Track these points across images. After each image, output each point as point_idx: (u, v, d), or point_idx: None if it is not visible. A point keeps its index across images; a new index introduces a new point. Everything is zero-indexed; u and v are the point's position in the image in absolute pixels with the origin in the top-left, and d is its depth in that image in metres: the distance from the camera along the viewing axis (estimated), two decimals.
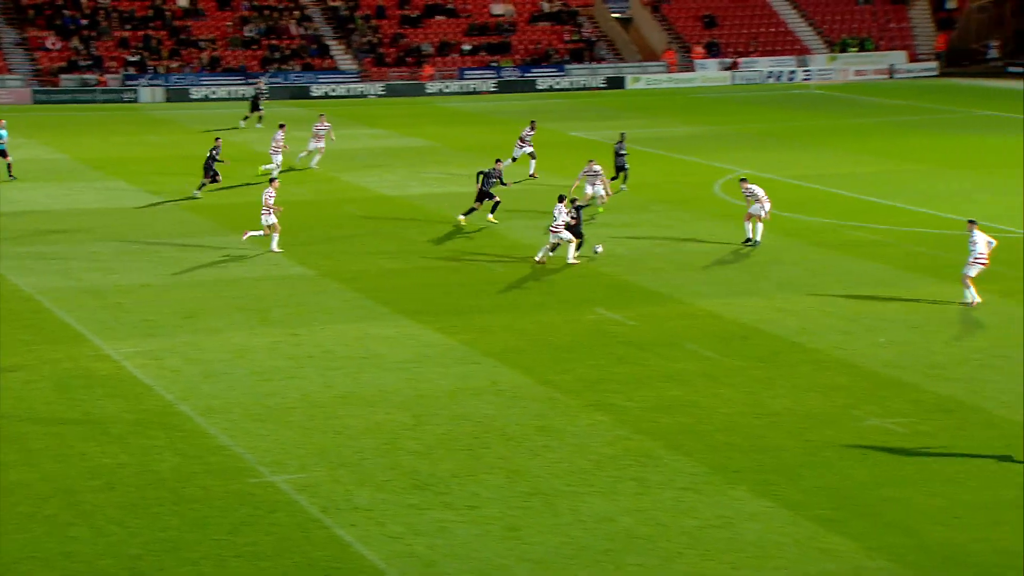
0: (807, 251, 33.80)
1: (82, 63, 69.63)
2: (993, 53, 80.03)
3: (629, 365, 24.76)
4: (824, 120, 60.29)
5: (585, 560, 17.04)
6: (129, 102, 67.51)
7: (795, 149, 50.81)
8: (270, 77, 69.67)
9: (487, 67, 74.00)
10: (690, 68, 76.31)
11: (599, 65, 75.46)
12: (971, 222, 28.91)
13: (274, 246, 33.49)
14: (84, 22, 71.87)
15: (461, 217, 36.47)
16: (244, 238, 33.64)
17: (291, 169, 44.90)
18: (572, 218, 32.11)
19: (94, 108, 65.65)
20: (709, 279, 31.12)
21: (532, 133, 44.87)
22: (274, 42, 73.24)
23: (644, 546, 17.36)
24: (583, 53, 76.24)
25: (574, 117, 61.77)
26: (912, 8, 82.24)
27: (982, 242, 28.32)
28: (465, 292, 30.04)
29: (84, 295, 29.66)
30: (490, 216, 36.73)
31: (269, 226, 33.42)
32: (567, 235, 31.89)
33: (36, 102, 66.58)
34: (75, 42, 70.73)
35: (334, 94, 69.91)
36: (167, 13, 73.38)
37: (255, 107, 56.39)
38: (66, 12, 71.87)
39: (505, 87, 72.61)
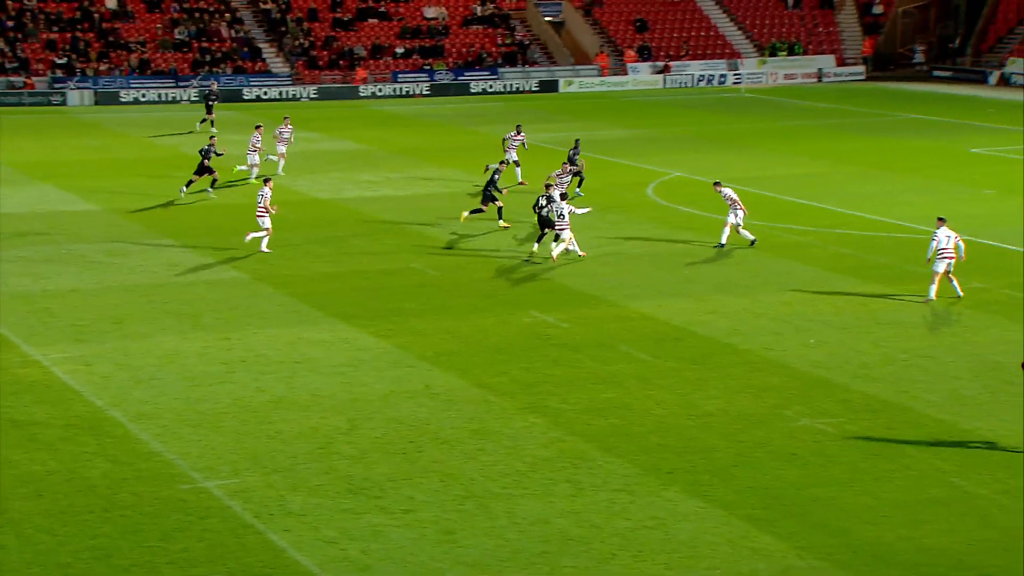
0: (738, 253, 34.13)
1: (8, 65, 68.64)
2: (919, 57, 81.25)
3: (563, 367, 24.87)
4: (754, 123, 60.90)
5: (520, 562, 17.11)
6: (57, 105, 66.64)
7: (726, 152, 51.28)
8: (201, 80, 69.14)
9: (420, 70, 73.94)
10: (622, 72, 76.73)
11: (532, 68, 75.68)
12: (940, 219, 29.49)
13: (263, 247, 33.73)
14: (10, 24, 70.85)
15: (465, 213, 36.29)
16: (247, 239, 33.70)
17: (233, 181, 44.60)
18: (541, 208, 32.81)
19: (21, 111, 64.72)
20: (642, 281, 31.33)
21: (519, 137, 44.26)
22: (205, 45, 72.67)
23: (578, 548, 17.46)
24: (516, 56, 76.41)
25: (508, 120, 61.82)
26: (840, 13, 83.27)
27: (944, 238, 28.90)
28: (399, 295, 30.01)
29: (12, 300, 29.27)
30: (501, 222, 36.42)
31: (266, 228, 33.76)
32: (567, 234, 32.33)
33: None
34: (1, 44, 69.72)
35: (266, 97, 69.48)
36: (95, 15, 72.54)
37: (209, 110, 56.14)
38: None
39: (438, 90, 72.58)
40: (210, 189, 41.19)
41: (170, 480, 19.48)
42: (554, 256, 32.29)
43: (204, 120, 55.79)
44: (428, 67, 74.21)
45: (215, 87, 59.07)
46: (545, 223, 32.83)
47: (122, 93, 68.26)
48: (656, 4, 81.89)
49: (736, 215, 34.06)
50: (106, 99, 67.69)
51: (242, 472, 19.80)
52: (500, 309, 28.85)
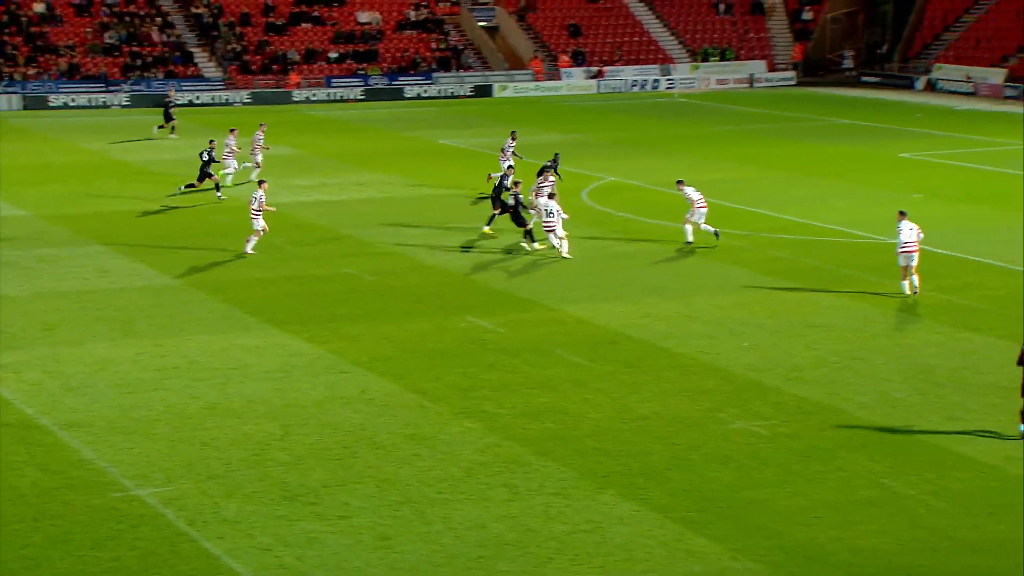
0: (672, 257, 34.37)
1: None
2: (848, 63, 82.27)
3: (499, 372, 24.90)
4: (687, 128, 61.36)
5: (456, 568, 17.11)
6: None
7: (660, 156, 51.61)
8: (132, 84, 68.45)
9: (354, 75, 73.71)
10: (556, 76, 77.00)
11: (467, 73, 75.71)
12: (901, 213, 30.11)
13: (248, 248, 33.77)
14: None
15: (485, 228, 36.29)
16: (250, 249, 33.87)
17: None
18: (511, 204, 34.58)
19: None
20: (578, 285, 31.46)
21: (514, 144, 43.89)
22: (136, 49, 71.94)
23: (514, 552, 17.49)
24: (450, 61, 76.40)
25: (443, 125, 61.88)
26: (770, 19, 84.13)
27: (906, 231, 29.53)
28: (334, 301, 29.89)
29: None
30: (486, 228, 36.28)
31: (260, 229, 33.83)
32: (560, 232, 33.64)
33: None
34: None
35: (198, 102, 68.92)
36: (23, 19, 71.54)
37: (168, 117, 55.65)
38: None
39: (373, 95, 72.37)
40: (219, 193, 41.31)
41: (102, 488, 19.27)
42: (563, 250, 33.61)
43: (162, 127, 55.59)
44: (362, 72, 73.99)
45: (173, 93, 58.63)
46: (506, 210, 34.93)
47: (51, 98, 67.46)
48: (590, 9, 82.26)
49: (694, 214, 34.70)
50: (35, 104, 66.85)
51: (175, 479, 19.63)
52: (435, 314, 28.83)
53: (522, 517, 18.50)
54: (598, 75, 77.34)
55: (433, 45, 77.23)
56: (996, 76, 73.04)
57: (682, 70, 78.97)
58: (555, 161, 41.55)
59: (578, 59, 78.51)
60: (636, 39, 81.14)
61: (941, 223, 37.79)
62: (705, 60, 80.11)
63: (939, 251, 34.13)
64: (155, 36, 73.09)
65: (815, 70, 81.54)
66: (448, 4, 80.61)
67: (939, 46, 78.68)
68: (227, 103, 69.33)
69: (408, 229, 37.18)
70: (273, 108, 68.02)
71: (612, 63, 78.74)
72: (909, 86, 76.58)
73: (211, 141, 42.52)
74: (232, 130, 44.63)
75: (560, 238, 33.78)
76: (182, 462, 20.30)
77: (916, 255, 29.75)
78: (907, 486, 19.62)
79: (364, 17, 77.81)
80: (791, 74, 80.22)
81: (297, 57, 73.97)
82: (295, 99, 70.84)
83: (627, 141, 56.34)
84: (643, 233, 36.56)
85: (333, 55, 74.77)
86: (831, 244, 35.85)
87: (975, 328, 27.78)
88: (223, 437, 21.38)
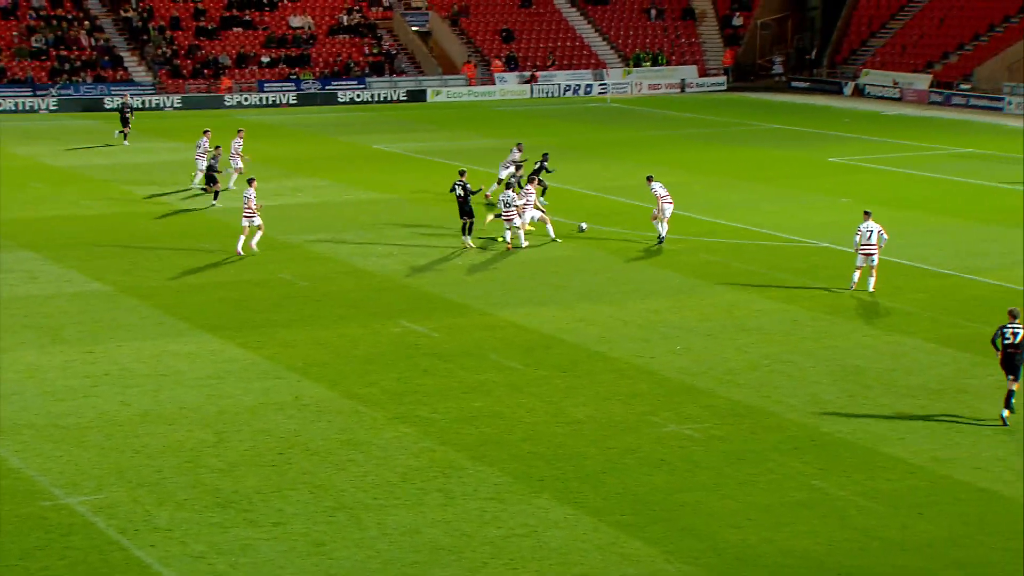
0: (606, 261, 34.54)
1: None
2: (778, 68, 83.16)
3: (433, 377, 24.89)
4: (619, 133, 61.67)
5: (391, 573, 17.09)
6: None
7: (593, 161, 51.83)
8: (60, 89, 67.57)
9: (287, 79, 73.31)
10: (490, 81, 77.08)
11: (400, 78, 75.57)
12: (866, 213, 30.98)
13: (239, 248, 33.75)
14: None
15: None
16: (253, 249, 33.90)
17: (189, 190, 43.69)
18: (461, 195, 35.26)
19: None
20: (511, 289, 31.51)
21: (516, 155, 43.36)
22: (64, 53, 71.04)
23: (449, 557, 17.50)
24: (384, 66, 76.22)
25: (376, 130, 61.72)
26: (701, 24, 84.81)
27: (866, 232, 30.29)
28: (266, 306, 29.71)
29: None
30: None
31: (257, 226, 33.77)
32: (517, 222, 34.54)
33: None
34: None
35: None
36: None
37: (125, 122, 55.03)
38: None
39: (305, 99, 72.04)
40: (215, 200, 41.16)
41: (30, 497, 19.02)
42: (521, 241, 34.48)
43: (121, 132, 55.08)
44: (295, 76, 73.61)
45: (128, 99, 58.03)
46: (464, 212, 35.19)
47: None
48: (523, 15, 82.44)
49: (661, 211, 35.47)
50: None
51: (106, 487, 19.43)
52: (369, 319, 28.76)
53: (457, 522, 18.51)
54: (531, 80, 77.53)
55: (366, 50, 77.02)
56: (922, 82, 74.17)
57: (615, 75, 79.38)
58: (542, 162, 41.70)
59: (511, 64, 78.67)
60: (569, 44, 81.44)
61: None
62: (637, 65, 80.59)
63: None
64: (84, 40, 72.22)
65: (746, 75, 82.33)
66: (381, 9, 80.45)
67: (866, 52, 79.75)
68: (158, 107, 68.67)
69: (342, 234, 37.03)
70: (205, 112, 67.42)
71: (545, 68, 78.98)
72: (838, 91, 77.53)
73: (217, 148, 42.57)
74: (240, 130, 45.61)
75: (516, 228, 34.63)
76: (113, 470, 20.09)
77: (876, 256, 30.42)
78: (837, 487, 19.86)
79: (296, 21, 77.42)
80: (722, 79, 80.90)
81: (229, 61, 73.44)
82: (227, 104, 70.34)
83: (561, 146, 56.51)
84: (575, 237, 36.71)
85: (265, 59, 74.32)
86: (762, 248, 36.21)
87: (904, 331, 28.18)
88: (155, 444, 21.18)
